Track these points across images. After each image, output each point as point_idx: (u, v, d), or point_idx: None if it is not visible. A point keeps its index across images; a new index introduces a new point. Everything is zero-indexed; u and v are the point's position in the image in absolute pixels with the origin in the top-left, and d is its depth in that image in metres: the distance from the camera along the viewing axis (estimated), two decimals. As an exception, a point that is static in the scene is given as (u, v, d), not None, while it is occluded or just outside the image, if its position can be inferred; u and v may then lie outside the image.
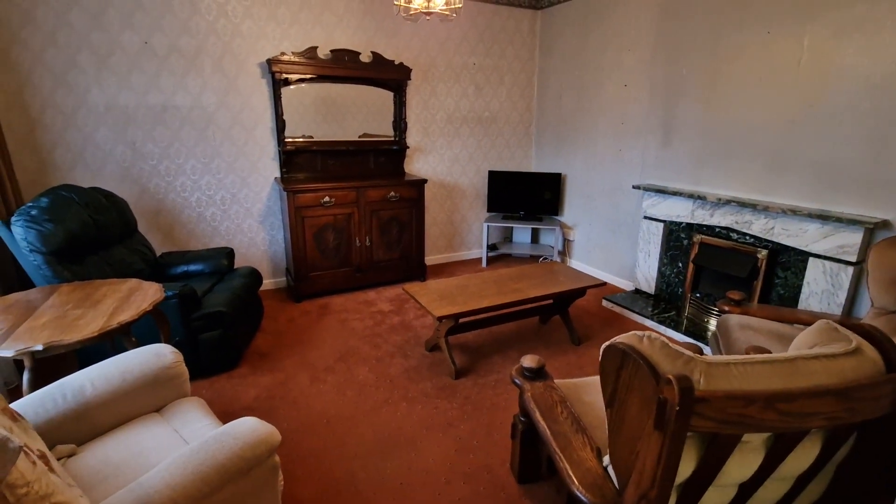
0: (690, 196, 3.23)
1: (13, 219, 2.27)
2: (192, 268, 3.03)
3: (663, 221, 3.53)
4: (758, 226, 2.86)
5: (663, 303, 3.59)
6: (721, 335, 2.35)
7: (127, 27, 3.06)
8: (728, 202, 2.96)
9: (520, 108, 4.74)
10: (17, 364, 2.44)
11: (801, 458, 1.11)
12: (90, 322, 1.70)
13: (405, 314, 3.46)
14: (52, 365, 2.26)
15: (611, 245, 4.20)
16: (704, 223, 3.21)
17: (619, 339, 1.12)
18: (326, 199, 3.52)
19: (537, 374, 1.76)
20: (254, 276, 3.12)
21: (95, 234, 2.58)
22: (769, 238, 2.81)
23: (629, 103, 3.77)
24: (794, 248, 2.72)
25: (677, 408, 0.92)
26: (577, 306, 3.60)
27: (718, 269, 3.15)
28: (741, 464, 1.08)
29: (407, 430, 2.22)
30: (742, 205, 2.89)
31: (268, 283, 3.95)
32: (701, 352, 1.85)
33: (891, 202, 2.34)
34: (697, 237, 3.29)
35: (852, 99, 2.42)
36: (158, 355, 1.61)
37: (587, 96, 4.17)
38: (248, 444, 1.16)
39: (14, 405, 1.37)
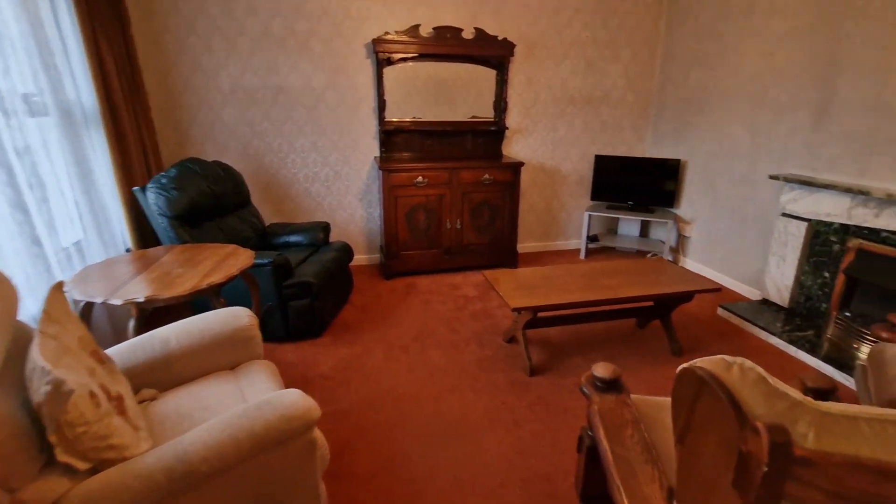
0: (848, 190, 2.60)
1: (148, 186, 2.61)
2: (292, 239, 3.25)
3: (807, 220, 2.91)
4: (946, 233, 2.20)
5: (798, 319, 2.99)
6: (872, 369, 1.85)
7: (251, 13, 3.32)
8: (903, 201, 2.32)
9: (637, 86, 4.25)
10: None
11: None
12: (186, 281, 1.88)
13: (488, 301, 3.35)
14: (165, 313, 2.55)
15: (735, 245, 3.61)
16: (865, 225, 2.57)
17: (702, 362, 0.89)
18: (420, 179, 3.52)
19: (610, 385, 1.54)
20: (345, 250, 3.25)
21: (212, 203, 2.88)
22: (963, 250, 2.15)
23: (773, 77, 3.14)
24: None
25: (765, 468, 0.69)
26: (686, 312, 3.16)
27: (882, 285, 2.51)
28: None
29: (470, 421, 2.13)
30: (924, 205, 2.24)
31: (363, 259, 4.11)
32: (834, 390, 1.46)
33: None
34: (854, 242, 2.65)
35: None
36: (235, 317, 1.72)
37: (721, 71, 3.57)
38: (284, 417, 1.16)
39: (115, 349, 1.56)
